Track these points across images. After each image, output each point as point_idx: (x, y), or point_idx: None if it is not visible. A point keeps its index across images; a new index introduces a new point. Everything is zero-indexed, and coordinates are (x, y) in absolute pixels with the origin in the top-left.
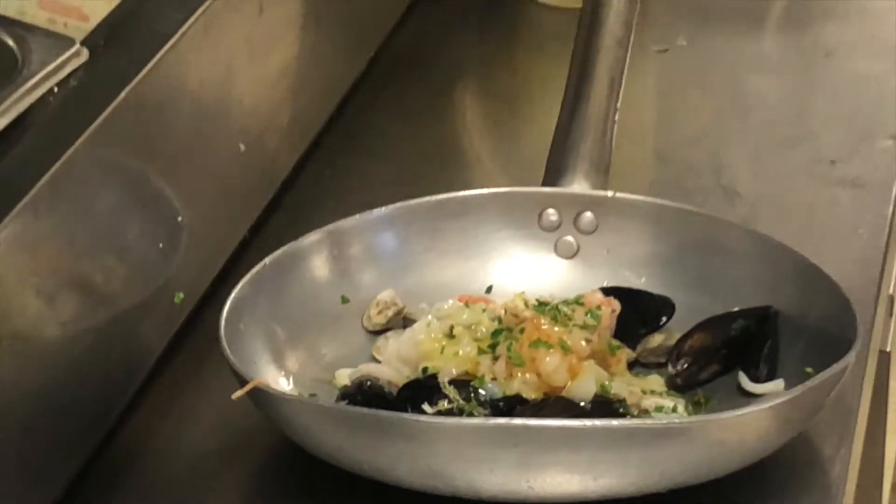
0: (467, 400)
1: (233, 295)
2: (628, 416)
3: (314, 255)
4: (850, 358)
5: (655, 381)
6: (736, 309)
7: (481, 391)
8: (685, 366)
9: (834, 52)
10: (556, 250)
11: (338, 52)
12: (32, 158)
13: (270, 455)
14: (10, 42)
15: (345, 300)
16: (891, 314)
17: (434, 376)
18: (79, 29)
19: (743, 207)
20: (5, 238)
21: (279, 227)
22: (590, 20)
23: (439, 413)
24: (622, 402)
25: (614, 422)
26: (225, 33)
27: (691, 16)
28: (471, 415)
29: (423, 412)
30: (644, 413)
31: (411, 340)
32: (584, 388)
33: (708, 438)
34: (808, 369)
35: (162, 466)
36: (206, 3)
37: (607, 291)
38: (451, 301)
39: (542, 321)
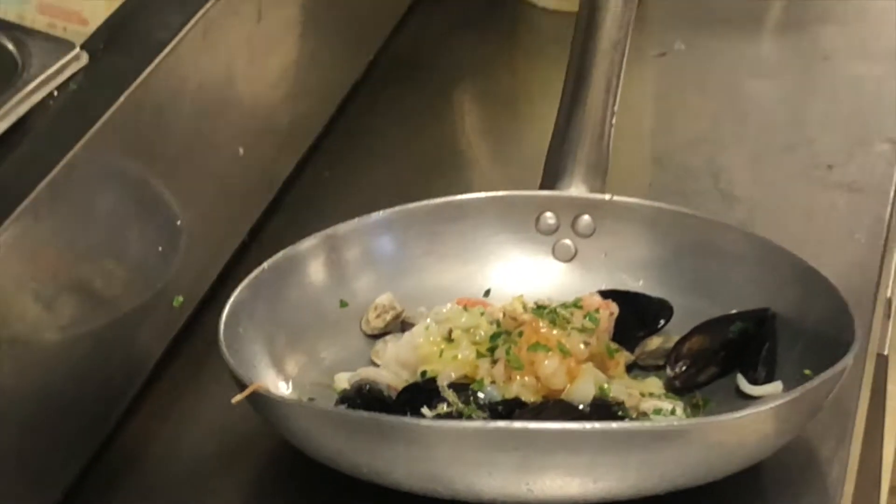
0: (466, 403)
1: (232, 299)
2: (627, 419)
3: (313, 260)
4: (849, 360)
5: (654, 383)
6: (734, 311)
7: (480, 394)
8: (683, 368)
9: (832, 56)
10: (553, 253)
11: (337, 55)
12: (32, 162)
13: (270, 458)
14: (10, 46)
15: (343, 304)
16: (888, 317)
17: (433, 380)
18: (78, 33)
19: (741, 211)
20: (5, 242)
21: (278, 230)
22: (586, 23)
23: (438, 416)
24: (621, 404)
25: (613, 424)
26: (224, 37)
27: (689, 19)
28: (470, 418)
29: (423, 416)
30: (643, 415)
31: (410, 344)
32: (582, 390)
33: (707, 441)
34: (807, 371)
35: (161, 470)
36: (206, 7)
37: (605, 294)
38: (449, 305)
39: (541, 324)
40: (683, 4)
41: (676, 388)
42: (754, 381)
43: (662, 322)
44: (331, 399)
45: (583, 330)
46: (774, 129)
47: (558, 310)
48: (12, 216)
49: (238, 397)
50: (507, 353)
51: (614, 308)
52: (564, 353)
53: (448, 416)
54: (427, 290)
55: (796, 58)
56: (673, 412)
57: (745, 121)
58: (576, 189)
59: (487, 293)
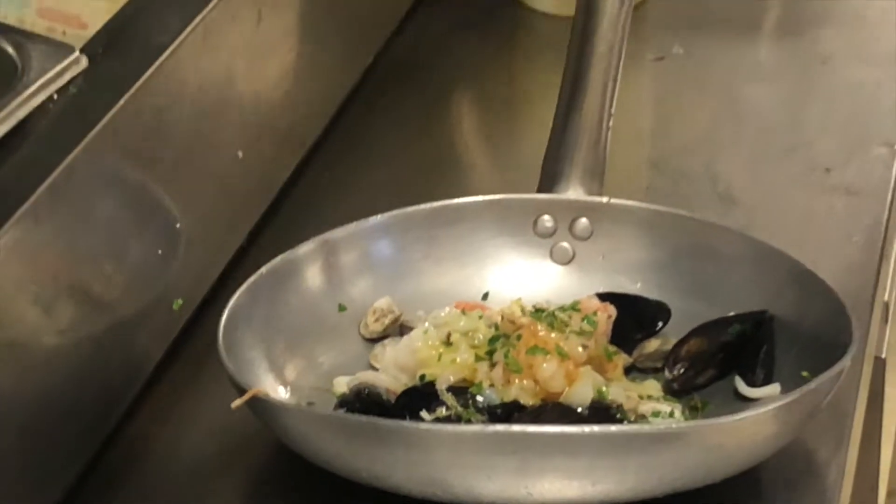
0: (465, 407)
1: (230, 304)
2: (626, 422)
3: (311, 264)
4: (846, 362)
5: (652, 386)
6: (732, 314)
7: (479, 398)
8: (682, 370)
9: (830, 60)
10: (551, 256)
11: (336, 59)
12: (32, 165)
13: (269, 461)
14: (10, 49)
15: (342, 308)
16: (886, 320)
17: (432, 383)
18: (78, 37)
19: (739, 214)
20: (5, 245)
21: (277, 233)
22: (582, 27)
23: (437, 420)
24: (619, 407)
25: (612, 427)
26: (223, 40)
27: (687, 24)
28: (469, 422)
29: (421, 419)
30: (641, 418)
31: (408, 348)
32: (581, 393)
33: (705, 443)
34: (804, 373)
35: (161, 471)
36: (205, 11)
37: (603, 297)
38: (447, 308)
39: (539, 327)
40: (681, 8)
41: (675, 391)
42: (752, 384)
43: (660, 324)
44: (330, 403)
45: (581, 333)
46: (772, 133)
47: (556, 313)
48: (12, 219)
49: (237, 402)
50: (506, 356)
51: (612, 311)
52: (563, 356)
53: (447, 419)
54: (425, 293)
55: (794, 61)
56: (671, 415)
57: (743, 124)
58: (573, 192)
59: (485, 296)
